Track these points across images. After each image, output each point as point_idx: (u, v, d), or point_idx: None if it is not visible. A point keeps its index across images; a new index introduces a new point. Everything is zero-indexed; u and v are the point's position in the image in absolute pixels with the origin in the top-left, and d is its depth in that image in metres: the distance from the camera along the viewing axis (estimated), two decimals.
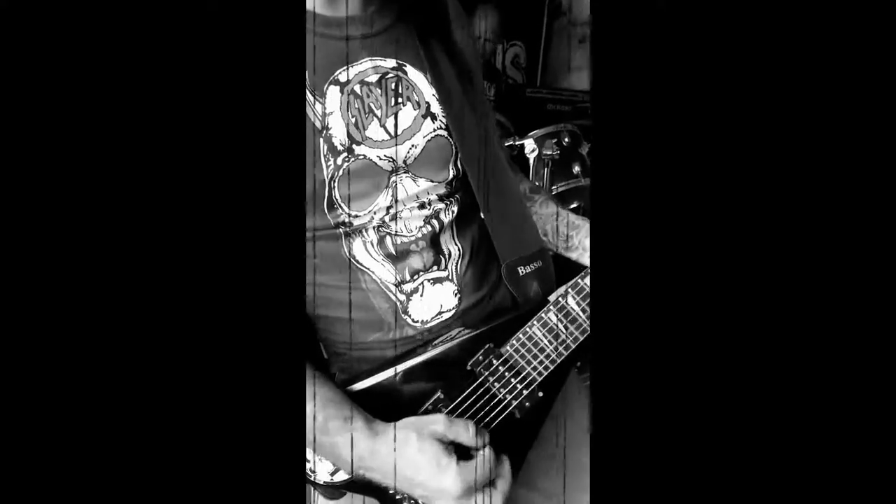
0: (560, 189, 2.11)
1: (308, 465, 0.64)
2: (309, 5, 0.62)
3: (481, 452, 0.61)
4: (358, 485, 0.65)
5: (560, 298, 0.68)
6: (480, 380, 0.67)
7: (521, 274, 0.72)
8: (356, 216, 0.64)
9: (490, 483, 0.62)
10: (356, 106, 0.63)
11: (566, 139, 2.07)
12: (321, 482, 0.65)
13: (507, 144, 1.99)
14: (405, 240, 0.66)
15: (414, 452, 0.60)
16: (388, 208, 0.65)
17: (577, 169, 2.01)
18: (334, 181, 0.62)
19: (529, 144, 1.94)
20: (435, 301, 0.69)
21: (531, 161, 1.95)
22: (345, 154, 0.62)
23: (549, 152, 1.95)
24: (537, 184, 1.86)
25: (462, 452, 0.62)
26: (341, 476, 0.65)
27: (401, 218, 0.66)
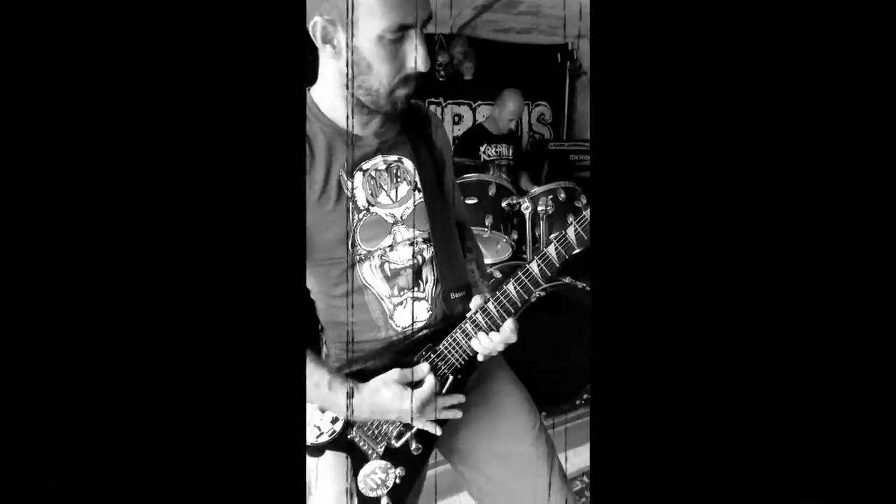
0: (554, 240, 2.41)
1: None
2: (351, 127, 1.01)
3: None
4: (336, 443, 0.97)
5: (472, 315, 1.01)
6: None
7: (451, 297, 1.06)
8: (368, 251, 1.01)
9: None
10: (372, 183, 1.02)
11: (562, 195, 2.38)
12: (307, 443, 0.97)
13: (505, 203, 2.32)
14: (397, 266, 1.03)
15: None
16: (389, 246, 1.02)
17: (570, 220, 2.32)
18: (356, 228, 0.99)
19: (524, 203, 2.26)
20: (413, 313, 1.04)
21: (527, 216, 2.27)
22: (364, 212, 1.00)
23: (543, 208, 2.26)
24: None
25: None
26: (323, 438, 0.97)
27: (396, 251, 1.03)
